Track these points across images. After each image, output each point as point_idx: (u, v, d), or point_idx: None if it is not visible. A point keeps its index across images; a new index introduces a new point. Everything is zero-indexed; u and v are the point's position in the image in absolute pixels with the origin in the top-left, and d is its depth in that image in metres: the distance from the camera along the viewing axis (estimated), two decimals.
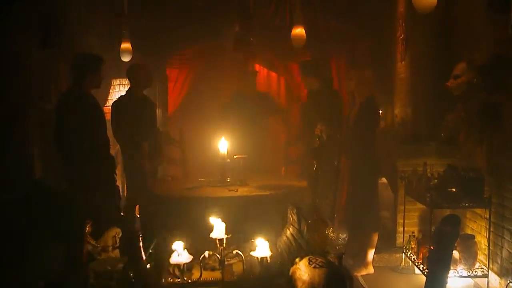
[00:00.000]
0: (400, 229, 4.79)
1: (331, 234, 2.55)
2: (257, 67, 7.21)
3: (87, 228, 2.87)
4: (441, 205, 3.87)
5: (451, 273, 3.64)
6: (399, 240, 4.80)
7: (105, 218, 3.25)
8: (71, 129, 3.88)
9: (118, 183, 6.12)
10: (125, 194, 5.13)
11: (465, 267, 3.84)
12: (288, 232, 2.76)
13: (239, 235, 2.64)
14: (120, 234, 2.96)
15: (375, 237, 4.44)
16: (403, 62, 5.45)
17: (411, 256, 4.30)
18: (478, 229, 4.11)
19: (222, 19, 6.07)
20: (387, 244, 4.92)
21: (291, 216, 2.79)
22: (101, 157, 3.90)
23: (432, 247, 3.60)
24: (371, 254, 4.43)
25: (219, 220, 2.41)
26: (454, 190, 3.78)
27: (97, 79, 4.12)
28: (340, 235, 2.56)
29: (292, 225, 2.78)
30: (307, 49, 5.93)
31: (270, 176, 4.35)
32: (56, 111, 4.03)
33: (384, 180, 5.42)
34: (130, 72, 4.79)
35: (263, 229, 2.44)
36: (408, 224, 4.71)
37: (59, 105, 4.04)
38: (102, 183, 3.76)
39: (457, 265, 3.81)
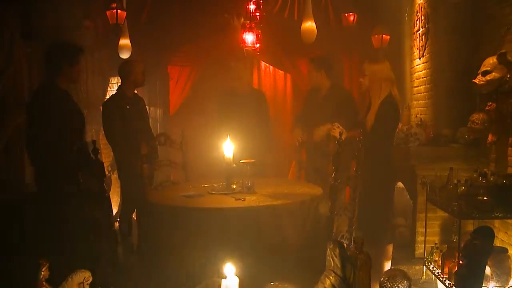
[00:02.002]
0: (420, 238, 4.45)
1: (388, 284, 2.09)
2: (262, 64, 6.89)
3: (42, 272, 2.25)
4: (471, 215, 3.49)
5: None
6: (419, 251, 4.45)
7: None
8: (44, 130, 3.43)
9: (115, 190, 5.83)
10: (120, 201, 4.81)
11: (497, 284, 3.47)
12: (328, 282, 2.10)
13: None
14: (90, 280, 2.35)
15: (390, 249, 4.03)
16: (421, 59, 5.09)
17: (434, 270, 3.93)
18: (509, 240, 3.75)
19: (227, 11, 5.74)
20: (406, 254, 4.57)
21: (332, 258, 2.12)
22: (82, 162, 3.49)
23: (461, 262, 3.24)
24: (387, 267, 4.02)
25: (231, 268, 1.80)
26: (485, 198, 3.40)
27: (74, 72, 3.63)
28: (399, 285, 2.09)
29: (334, 272, 2.10)
30: (317, 45, 5.60)
31: (279, 182, 3.99)
32: (26, 110, 3.58)
33: (400, 184, 5.08)
34: (123, 69, 4.44)
35: (282, 262, 1.99)
36: (428, 233, 4.35)
37: (30, 103, 3.57)
38: (85, 193, 3.37)
39: (488, 282, 3.45)
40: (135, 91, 4.57)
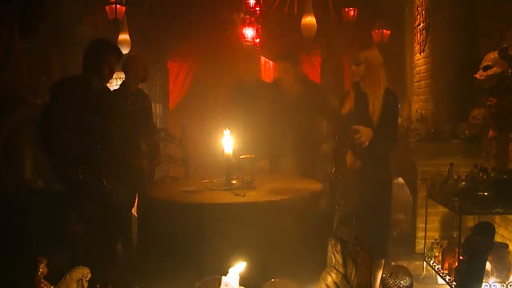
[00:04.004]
0: (420, 234, 4.44)
1: (390, 281, 2.07)
2: (262, 59, 6.87)
3: (40, 269, 2.21)
4: (471, 211, 3.47)
5: (482, 286, 3.26)
6: (419, 246, 4.44)
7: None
8: (61, 119, 3.35)
9: None
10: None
11: (498, 280, 3.46)
12: (329, 279, 2.03)
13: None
14: (89, 276, 2.30)
15: (382, 262, 3.48)
16: (422, 54, 5.06)
17: (434, 266, 3.93)
18: (510, 236, 3.74)
19: (227, 6, 5.72)
20: (406, 250, 4.56)
21: (334, 255, 2.06)
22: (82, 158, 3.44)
23: (461, 257, 3.24)
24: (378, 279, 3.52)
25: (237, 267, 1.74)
26: (486, 194, 3.38)
27: (107, 70, 3.52)
28: (401, 281, 2.07)
29: (336, 269, 2.03)
30: (317, 40, 5.60)
31: (279, 177, 3.97)
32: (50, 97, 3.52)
33: (401, 180, 5.07)
34: (126, 64, 4.41)
35: (283, 257, 1.96)
36: (428, 229, 4.34)
37: (50, 92, 3.53)
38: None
39: (489, 278, 3.44)
40: (139, 87, 4.53)
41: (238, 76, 4.75)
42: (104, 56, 3.51)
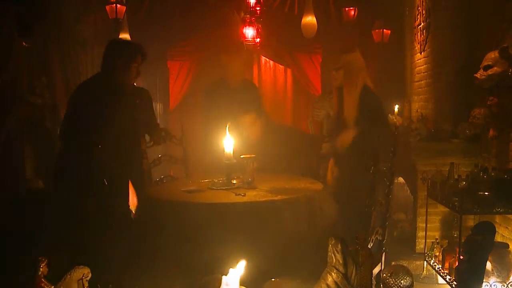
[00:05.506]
0: (421, 233, 4.43)
1: (390, 281, 2.06)
2: (262, 58, 6.87)
3: (40, 268, 2.23)
4: (471, 211, 3.47)
5: (483, 285, 3.26)
6: (420, 246, 4.43)
7: None
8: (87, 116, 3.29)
9: None
10: None
11: (498, 280, 3.46)
12: (330, 279, 2.02)
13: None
14: (89, 276, 2.30)
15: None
16: (422, 53, 5.06)
17: (434, 265, 3.92)
18: (510, 236, 3.74)
19: (227, 5, 5.72)
20: (406, 250, 4.56)
21: (334, 254, 2.05)
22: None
23: (462, 257, 3.23)
24: None
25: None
26: (486, 193, 3.38)
27: (129, 73, 3.43)
28: (402, 281, 2.06)
29: (336, 268, 2.03)
30: (318, 39, 5.59)
31: (280, 177, 3.97)
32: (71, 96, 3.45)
33: (401, 179, 5.07)
34: None
35: (283, 257, 1.95)
36: (429, 229, 4.34)
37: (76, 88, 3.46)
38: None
39: (489, 277, 3.44)
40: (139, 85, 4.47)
41: (218, 76, 4.66)
42: (130, 58, 3.40)
